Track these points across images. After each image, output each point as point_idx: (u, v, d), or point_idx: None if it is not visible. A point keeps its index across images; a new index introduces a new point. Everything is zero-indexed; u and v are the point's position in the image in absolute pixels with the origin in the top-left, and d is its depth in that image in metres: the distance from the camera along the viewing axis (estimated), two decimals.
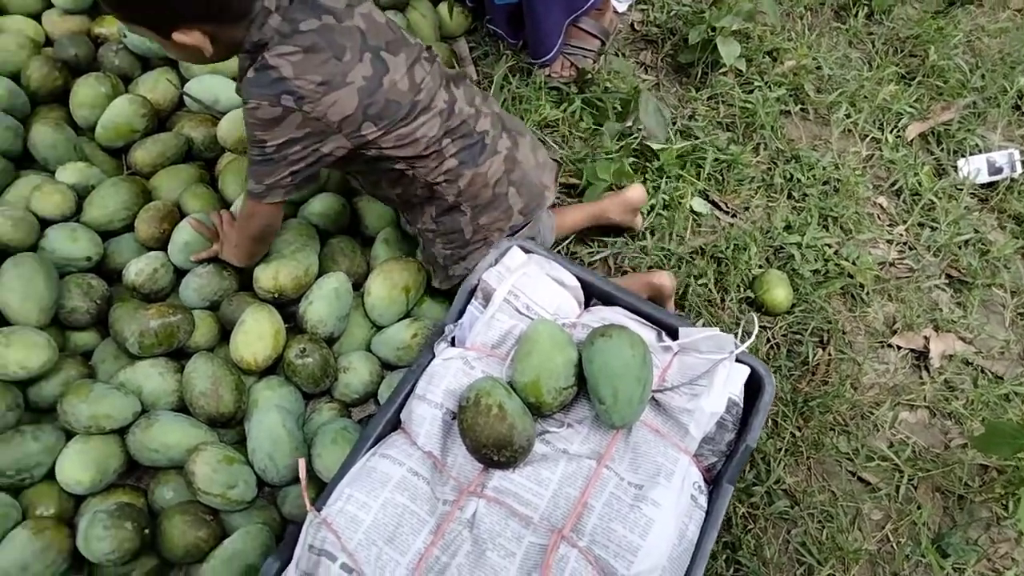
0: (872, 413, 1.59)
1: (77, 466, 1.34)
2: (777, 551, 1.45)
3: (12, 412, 1.36)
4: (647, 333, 1.24)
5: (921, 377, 1.65)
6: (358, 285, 1.65)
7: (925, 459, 1.55)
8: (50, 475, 1.37)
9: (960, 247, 1.83)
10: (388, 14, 1.61)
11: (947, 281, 1.79)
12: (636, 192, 1.69)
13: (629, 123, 1.90)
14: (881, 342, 1.69)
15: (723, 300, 1.71)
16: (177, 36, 1.15)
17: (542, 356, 1.12)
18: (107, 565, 1.29)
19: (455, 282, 1.55)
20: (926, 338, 1.68)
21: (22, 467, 1.33)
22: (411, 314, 1.64)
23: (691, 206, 1.82)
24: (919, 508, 1.49)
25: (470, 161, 1.39)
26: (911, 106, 2.04)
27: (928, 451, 1.56)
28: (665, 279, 1.59)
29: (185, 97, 1.78)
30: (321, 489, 1.21)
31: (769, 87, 2.04)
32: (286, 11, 1.19)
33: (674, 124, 1.94)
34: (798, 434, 1.55)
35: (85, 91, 1.71)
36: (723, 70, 2.05)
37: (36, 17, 1.84)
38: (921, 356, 1.68)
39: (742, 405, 1.20)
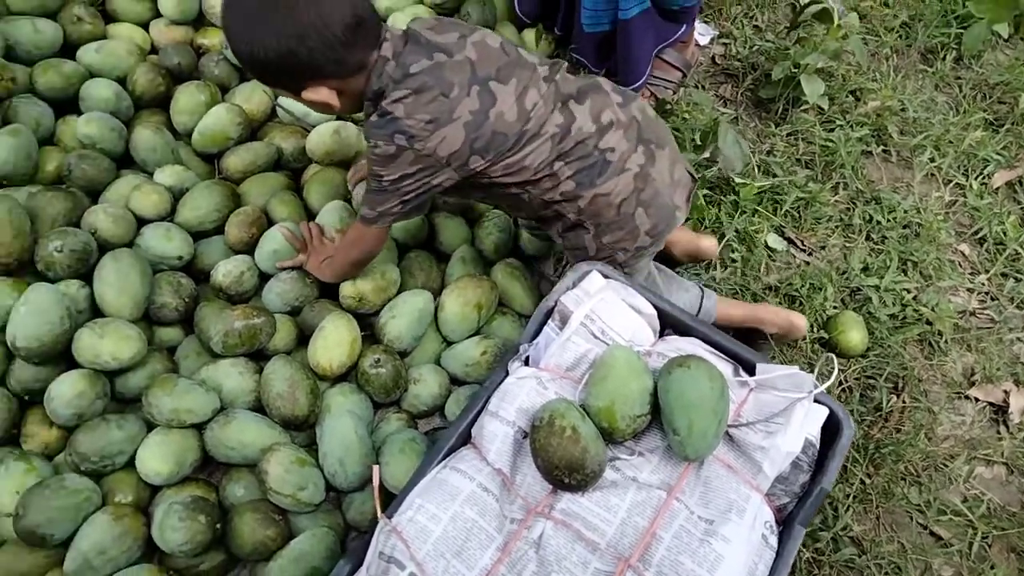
0: (946, 465, 1.55)
1: (157, 457, 1.39)
2: None
3: (100, 400, 1.42)
4: (723, 366, 1.24)
5: (999, 432, 1.60)
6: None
7: (1001, 517, 1.50)
8: (130, 464, 1.42)
9: None
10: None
11: None
12: (801, 322, 1.65)
13: (707, 154, 1.91)
14: (958, 393, 1.65)
15: (797, 340, 1.69)
16: (306, 94, 1.25)
17: (618, 382, 1.13)
18: (179, 555, 1.34)
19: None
20: (1006, 392, 1.63)
21: (105, 454, 1.38)
22: (481, 331, 1.66)
23: (767, 242, 1.81)
24: (992, 568, 1.44)
25: (587, 182, 1.35)
26: (998, 153, 2.00)
27: (1004, 509, 1.51)
28: (801, 321, 1.61)
29: (278, 108, 1.85)
30: (388, 497, 1.24)
31: (851, 126, 2.02)
32: (400, 56, 1.24)
33: (752, 158, 1.93)
34: (868, 481, 1.52)
35: (185, 98, 1.79)
36: (804, 107, 2.04)
37: (144, 26, 1.94)
38: (1000, 410, 1.63)
39: (818, 447, 1.18)
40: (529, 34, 2.05)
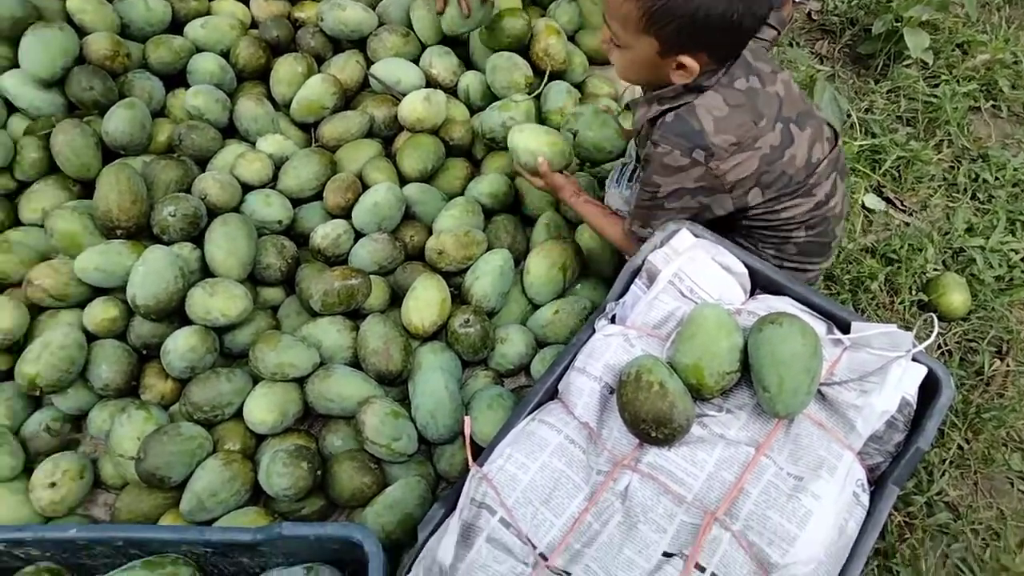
0: None
1: (263, 407, 1.47)
2: (934, 564, 1.39)
3: (211, 355, 1.52)
4: (817, 325, 1.22)
5: None
6: (517, 262, 1.71)
7: None
8: (238, 414, 1.51)
9: None
10: None
11: None
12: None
13: None
14: None
15: (893, 302, 1.64)
16: (682, 58, 1.19)
17: (707, 339, 1.12)
18: (282, 500, 1.42)
19: None
20: None
21: (215, 404, 1.48)
22: (567, 293, 1.68)
23: (863, 202, 1.75)
24: None
25: (813, 253, 1.40)
26: None
27: None
28: None
29: (371, 78, 1.91)
30: (476, 450, 1.28)
31: (958, 81, 1.93)
32: (729, 65, 1.23)
33: (849, 117, 1.87)
34: (966, 447, 1.47)
35: (284, 69, 1.86)
36: (907, 62, 1.95)
37: (245, 1, 2.02)
38: None
39: (915, 406, 1.15)
40: None
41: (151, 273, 1.48)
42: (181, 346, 1.48)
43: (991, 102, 1.91)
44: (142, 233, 1.61)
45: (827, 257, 1.44)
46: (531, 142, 1.54)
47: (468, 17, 1.80)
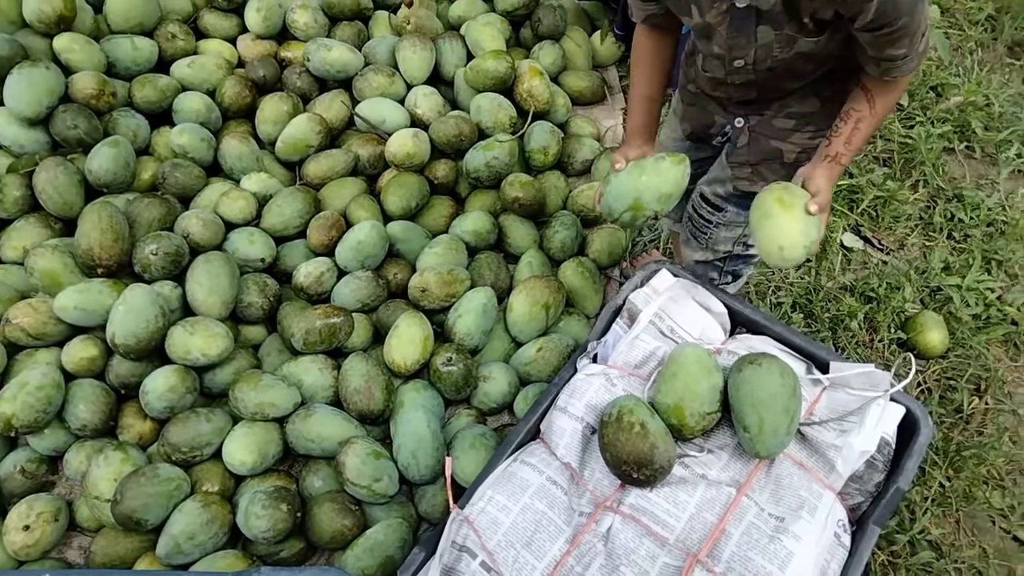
0: None
1: (242, 448, 1.46)
2: None
3: (191, 395, 1.50)
4: (796, 365, 1.23)
5: None
6: (501, 300, 1.72)
7: None
8: (217, 455, 1.49)
9: None
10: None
11: None
12: None
13: None
14: None
15: (872, 340, 1.65)
16: None
17: (688, 379, 1.13)
18: (261, 543, 1.40)
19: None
20: None
21: (195, 445, 1.46)
22: (550, 331, 1.68)
23: (842, 241, 1.78)
24: None
25: None
26: None
27: None
28: None
29: (356, 117, 1.93)
30: (458, 490, 1.27)
31: (932, 123, 1.97)
32: None
33: None
34: (947, 484, 1.48)
35: (270, 108, 1.88)
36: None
37: (232, 41, 2.04)
38: None
39: (894, 446, 1.16)
40: (596, 36, 2.07)
41: (131, 312, 1.47)
42: (160, 386, 1.47)
43: (965, 143, 1.96)
44: (124, 271, 1.61)
45: None
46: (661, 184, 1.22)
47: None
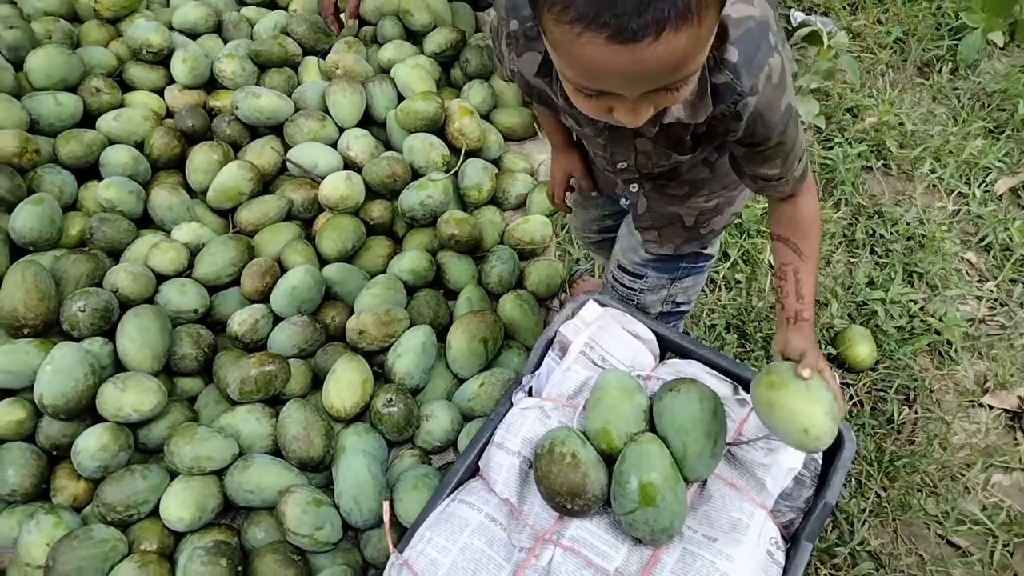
0: (963, 475, 1.53)
1: (179, 504, 1.42)
2: None
3: (124, 452, 1.47)
4: (723, 387, 1.26)
5: (1016, 438, 1.59)
6: (441, 337, 1.72)
7: (1021, 524, 1.48)
8: (154, 512, 1.45)
9: None
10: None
11: None
12: None
13: None
14: (972, 401, 1.64)
15: None
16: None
17: (611, 403, 1.15)
18: None
19: (705, 239, 1.33)
20: (1020, 398, 1.62)
21: (130, 504, 1.42)
22: (491, 365, 1.69)
23: (770, 261, 1.83)
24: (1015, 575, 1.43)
25: None
26: (1000, 160, 2.01)
27: None
28: None
29: (288, 163, 1.93)
30: (402, 533, 1.26)
31: (849, 143, 2.05)
32: None
33: None
34: (883, 495, 1.51)
35: (200, 158, 1.87)
36: (803, 128, 2.07)
37: (159, 92, 2.03)
38: (1016, 416, 1.62)
39: (821, 461, 1.19)
40: None
41: (59, 371, 1.44)
42: (92, 445, 1.43)
43: (882, 161, 2.04)
44: (51, 330, 1.57)
45: None
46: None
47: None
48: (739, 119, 0.92)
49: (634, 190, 1.31)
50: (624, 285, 1.46)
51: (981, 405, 1.64)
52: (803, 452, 1.09)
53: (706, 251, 1.39)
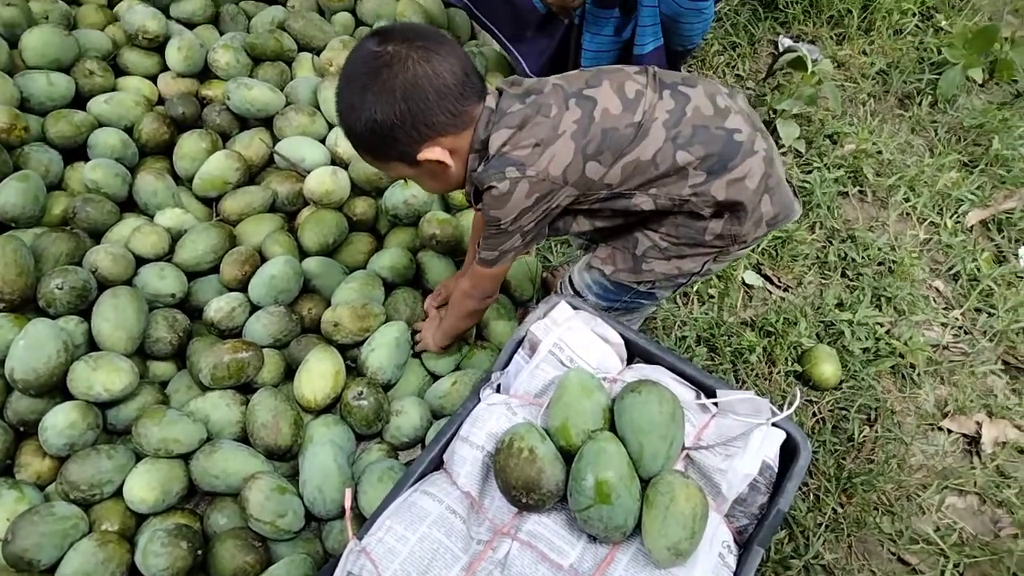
0: (918, 495, 1.56)
1: (143, 486, 1.43)
2: None
3: (92, 431, 1.47)
4: (685, 393, 1.28)
5: (972, 462, 1.62)
6: (416, 334, 1.74)
7: (973, 546, 1.51)
8: (118, 493, 1.46)
9: (1018, 334, 1.81)
10: None
11: (1003, 367, 1.77)
12: None
13: None
14: (931, 424, 1.67)
15: (771, 372, 1.72)
16: (423, 155, 1.21)
17: (571, 400, 1.16)
18: None
19: (643, 278, 1.43)
20: (978, 423, 1.65)
21: (94, 483, 1.43)
22: (463, 363, 1.71)
23: (743, 279, 1.86)
24: None
25: (719, 168, 1.24)
26: (972, 193, 2.06)
27: (976, 539, 1.52)
28: None
29: (275, 155, 1.95)
30: (363, 524, 1.27)
31: (828, 168, 2.09)
32: (499, 104, 1.25)
33: None
34: (840, 510, 1.54)
35: (188, 145, 1.89)
36: (782, 150, 2.11)
37: (153, 78, 2.05)
38: (973, 441, 1.65)
39: (776, 469, 1.21)
40: None
41: (32, 347, 1.45)
42: (60, 422, 1.44)
43: (858, 187, 2.08)
44: (27, 306, 1.58)
45: (743, 160, 1.25)
46: None
47: None
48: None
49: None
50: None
51: (940, 428, 1.67)
52: None
53: (644, 290, 1.46)
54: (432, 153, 1.22)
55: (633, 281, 1.43)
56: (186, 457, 1.50)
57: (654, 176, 1.25)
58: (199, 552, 1.39)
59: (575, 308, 1.39)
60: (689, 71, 2.33)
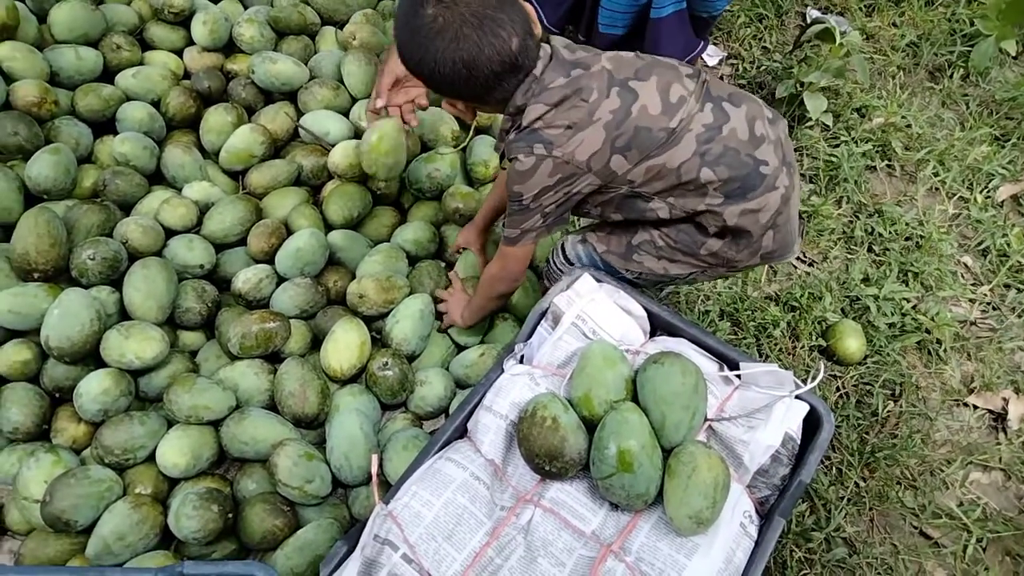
0: (942, 470, 1.56)
1: (175, 451, 1.47)
2: None
3: (125, 398, 1.51)
4: (709, 365, 1.29)
5: (998, 439, 1.61)
6: None
7: (996, 521, 1.50)
8: (151, 458, 1.50)
9: None
10: None
11: None
12: None
13: None
14: (956, 400, 1.66)
15: (795, 347, 1.72)
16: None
17: (593, 371, 1.18)
18: (192, 543, 1.41)
19: (631, 267, 1.45)
20: (1005, 400, 1.64)
21: (128, 448, 1.47)
22: (488, 335, 1.73)
23: None
24: (987, 570, 1.45)
25: (739, 195, 1.26)
26: (1004, 168, 2.02)
27: (1000, 513, 1.52)
28: None
29: (300, 129, 1.96)
30: (388, 489, 1.30)
31: (855, 142, 2.06)
32: (543, 74, 1.22)
33: None
34: (862, 484, 1.54)
35: (214, 119, 1.91)
36: (809, 124, 2.09)
37: (179, 52, 2.07)
38: (999, 418, 1.64)
39: (799, 441, 1.22)
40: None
41: (66, 315, 1.48)
42: (94, 389, 1.47)
43: (886, 161, 2.05)
44: (60, 276, 1.62)
45: (762, 194, 1.26)
46: None
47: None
48: None
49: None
50: (557, 266, 1.56)
51: (966, 404, 1.66)
52: None
53: (630, 278, 1.46)
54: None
55: (621, 267, 1.45)
56: (216, 424, 1.53)
57: (675, 184, 1.26)
58: (230, 515, 1.42)
59: (599, 281, 1.39)
60: (715, 44, 2.31)
